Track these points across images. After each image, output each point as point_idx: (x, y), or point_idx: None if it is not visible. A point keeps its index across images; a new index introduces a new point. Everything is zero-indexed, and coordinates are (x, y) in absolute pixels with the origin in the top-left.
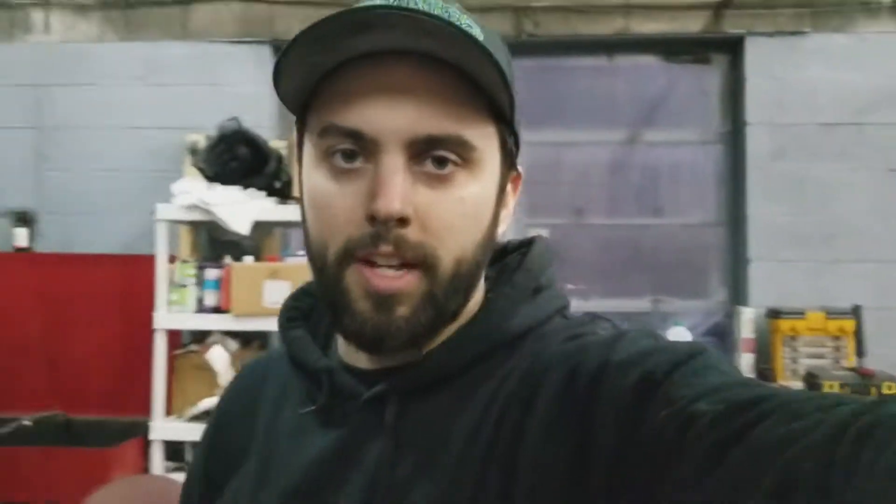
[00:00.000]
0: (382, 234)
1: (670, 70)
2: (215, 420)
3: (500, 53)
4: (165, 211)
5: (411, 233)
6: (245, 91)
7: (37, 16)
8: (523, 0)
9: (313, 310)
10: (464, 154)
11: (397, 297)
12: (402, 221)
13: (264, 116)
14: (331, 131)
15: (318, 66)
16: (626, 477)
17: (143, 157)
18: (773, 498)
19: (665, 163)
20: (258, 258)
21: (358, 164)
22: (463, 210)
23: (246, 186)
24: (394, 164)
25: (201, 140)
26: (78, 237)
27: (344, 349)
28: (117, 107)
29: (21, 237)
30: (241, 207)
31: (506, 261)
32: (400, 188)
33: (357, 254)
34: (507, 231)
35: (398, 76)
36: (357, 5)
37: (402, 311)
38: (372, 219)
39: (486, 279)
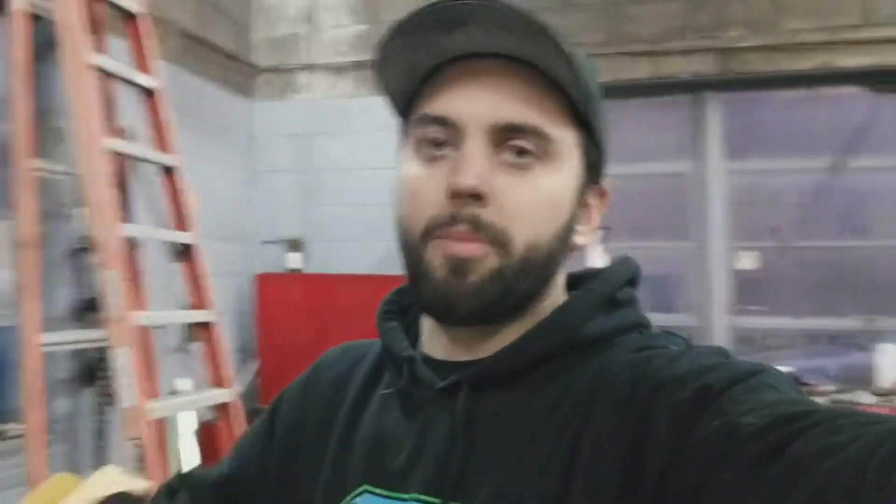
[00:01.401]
0: (460, 211)
1: (874, 99)
2: (307, 377)
3: (581, 61)
4: None
5: (486, 213)
6: None
7: (303, 78)
8: (730, 42)
9: (410, 306)
10: (542, 146)
11: (471, 263)
12: (478, 198)
13: None
14: (422, 120)
15: (417, 67)
16: (674, 485)
17: (387, 193)
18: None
19: (870, 188)
20: None
21: (445, 151)
22: (538, 198)
23: None
24: (474, 146)
25: None
26: (339, 260)
27: (426, 341)
28: (367, 151)
29: (294, 260)
30: None
31: (586, 275)
32: (478, 166)
33: (437, 232)
34: (595, 248)
35: (484, 72)
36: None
37: (473, 277)
38: (452, 196)
39: (568, 290)
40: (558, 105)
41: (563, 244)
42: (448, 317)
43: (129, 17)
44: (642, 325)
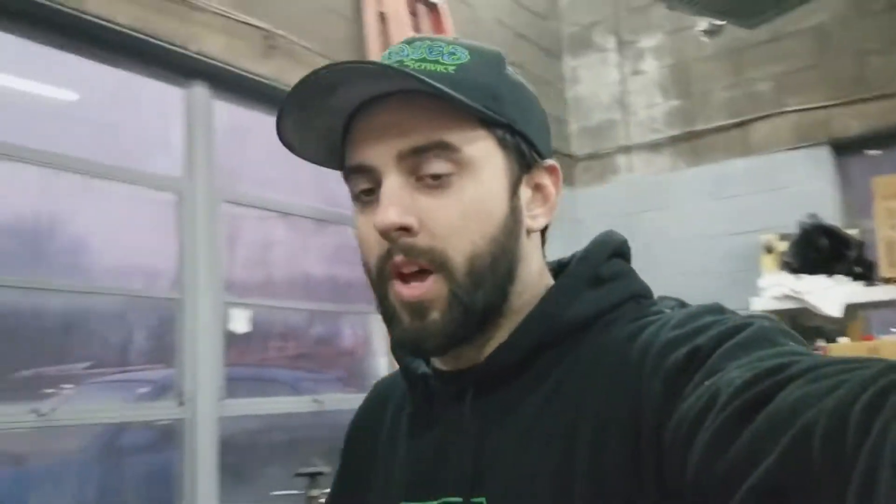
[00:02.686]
0: (393, 246)
1: None
2: (349, 431)
3: (470, 73)
4: (758, 303)
5: (420, 240)
6: (807, 190)
7: (621, 160)
8: None
9: None
10: (452, 158)
11: (426, 304)
12: (406, 230)
13: (828, 209)
14: (349, 175)
15: (330, 131)
16: (667, 447)
17: (719, 261)
18: (787, 458)
19: None
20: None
21: (375, 195)
22: (463, 210)
23: (830, 274)
24: (390, 182)
25: (774, 239)
26: None
27: (436, 358)
28: (692, 222)
29: None
30: (832, 292)
31: (570, 259)
32: (395, 199)
33: (386, 270)
34: (549, 223)
35: (384, 113)
36: (310, 73)
37: (434, 315)
38: (382, 236)
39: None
40: (459, 115)
41: (511, 240)
42: (420, 354)
43: None
44: (639, 295)
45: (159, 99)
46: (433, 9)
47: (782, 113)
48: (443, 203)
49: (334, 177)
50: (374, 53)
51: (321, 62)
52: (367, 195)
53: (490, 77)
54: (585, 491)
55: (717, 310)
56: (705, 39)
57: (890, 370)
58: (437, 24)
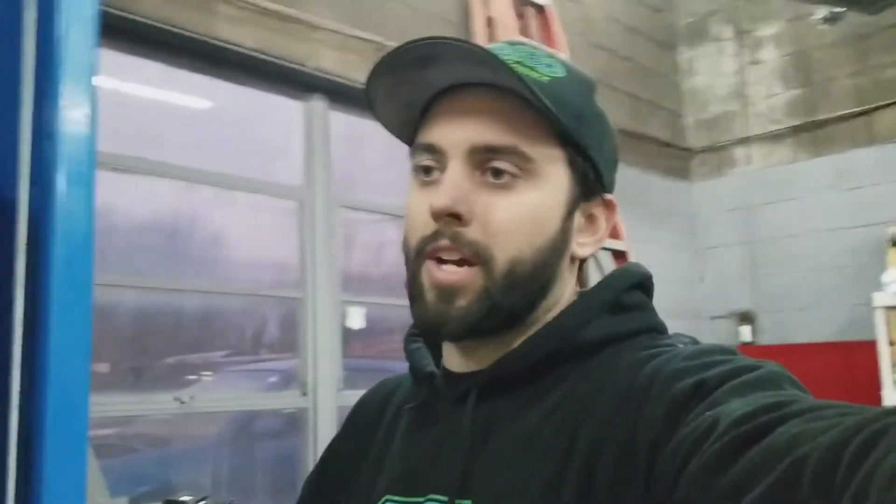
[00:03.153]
0: (442, 229)
1: None
2: (352, 412)
3: (557, 86)
4: (882, 299)
5: (469, 231)
6: None
7: (739, 152)
8: None
9: None
10: (521, 164)
11: (456, 290)
12: (457, 218)
13: None
14: (416, 149)
15: (413, 103)
16: (660, 471)
17: (843, 254)
18: (776, 489)
19: None
20: None
21: (434, 176)
22: (518, 214)
23: None
24: (455, 169)
25: None
26: (794, 330)
27: (445, 357)
28: (814, 214)
29: (745, 334)
30: None
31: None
32: (455, 187)
33: (426, 250)
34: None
35: (466, 101)
36: (412, 41)
37: (461, 302)
38: (433, 217)
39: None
40: (540, 126)
41: (555, 257)
42: (436, 336)
43: None
44: (654, 330)
45: (281, 112)
46: (541, 10)
47: None
48: (500, 202)
49: None
50: None
51: None
52: (427, 174)
53: (579, 99)
54: (573, 499)
55: (730, 350)
56: (825, 27)
57: (887, 415)
58: (546, 26)
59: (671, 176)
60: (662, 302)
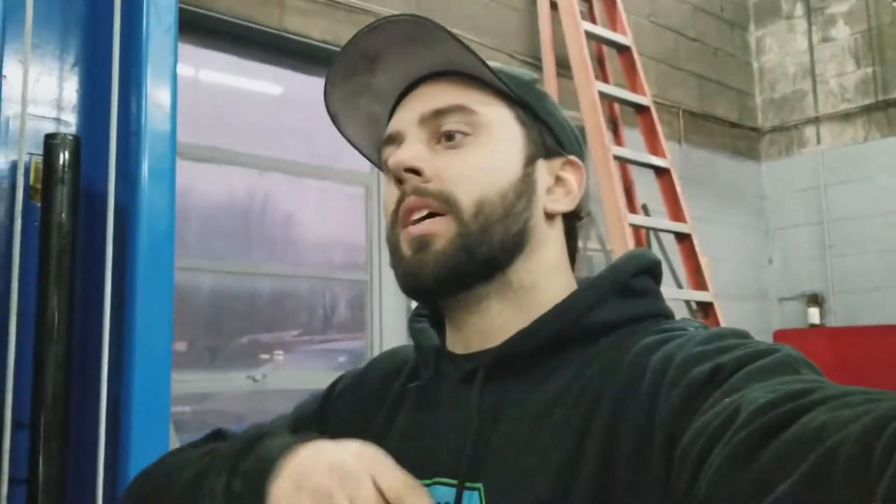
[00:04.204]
0: (405, 188)
1: None
2: (362, 373)
3: (504, 66)
4: None
5: (431, 185)
6: None
7: (809, 131)
8: None
9: (437, 312)
10: (468, 120)
11: (429, 237)
12: (416, 173)
13: None
14: (382, 146)
15: (375, 117)
16: (679, 458)
17: None
18: (808, 480)
19: None
20: None
21: None
22: (474, 163)
23: None
24: (410, 138)
25: None
26: (865, 311)
27: (448, 339)
28: (887, 194)
29: (814, 316)
30: None
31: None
32: (409, 149)
33: (399, 218)
34: (561, 211)
35: (418, 90)
36: (356, 34)
37: (436, 247)
38: (395, 180)
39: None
40: (483, 90)
41: (524, 202)
42: (419, 288)
43: (639, 109)
44: (662, 315)
45: None
46: None
47: None
48: (455, 158)
49: None
50: (547, 44)
51: (497, 56)
52: None
53: (522, 73)
54: (587, 490)
55: (743, 334)
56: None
57: None
58: (611, 10)
59: (740, 156)
60: (729, 284)
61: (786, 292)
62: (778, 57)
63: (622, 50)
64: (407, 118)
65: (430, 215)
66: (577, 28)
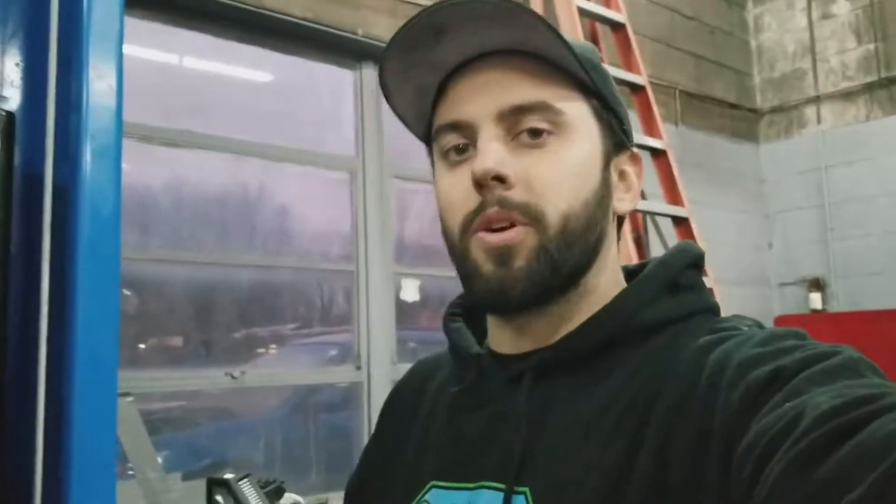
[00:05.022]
0: (487, 198)
1: None
2: (386, 404)
3: (571, 41)
4: None
5: (515, 194)
6: None
7: (809, 111)
8: None
9: (475, 309)
10: (552, 119)
11: (511, 250)
12: (501, 181)
13: None
14: (441, 131)
15: (425, 87)
16: (739, 461)
17: None
18: (878, 491)
19: None
20: None
21: (468, 154)
22: (561, 169)
23: None
24: (487, 136)
25: None
26: (867, 296)
27: (492, 338)
28: (890, 175)
29: (815, 301)
30: None
31: (648, 262)
32: (494, 151)
33: (473, 226)
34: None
35: (483, 70)
36: (427, 7)
37: (519, 262)
38: (478, 187)
39: (630, 278)
40: (561, 80)
41: (601, 210)
42: (504, 306)
43: (635, 89)
44: (710, 310)
45: (332, 82)
46: None
47: None
48: (540, 160)
49: None
50: None
51: None
52: (457, 153)
53: (586, 50)
54: (640, 497)
55: (801, 334)
56: None
57: None
58: None
59: (738, 138)
60: (729, 269)
61: (787, 277)
62: (777, 35)
63: (616, 27)
64: (481, 110)
65: (510, 226)
66: (569, 4)
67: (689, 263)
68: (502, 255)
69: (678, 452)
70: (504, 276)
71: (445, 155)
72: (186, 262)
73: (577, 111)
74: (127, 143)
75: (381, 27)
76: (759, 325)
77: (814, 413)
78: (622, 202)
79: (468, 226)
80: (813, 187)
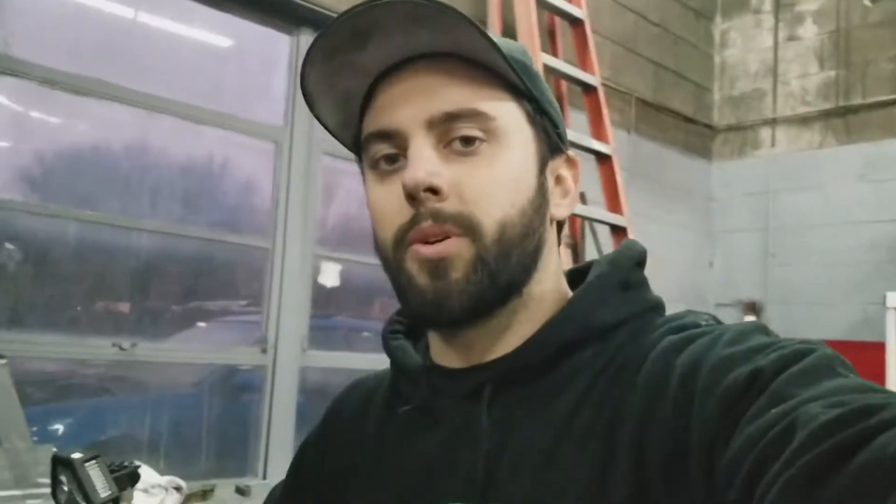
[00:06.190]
0: (420, 210)
1: None
2: (324, 421)
3: (499, 39)
4: (895, 298)
5: (448, 205)
6: None
7: (765, 133)
8: None
9: (415, 324)
10: (484, 126)
11: (447, 262)
12: (434, 192)
13: None
14: (369, 140)
15: (351, 95)
16: (723, 470)
17: (861, 250)
18: None
19: None
20: None
21: (399, 164)
22: (495, 177)
23: None
24: (419, 145)
25: None
26: (803, 324)
27: (436, 354)
28: (837, 205)
29: None
30: None
31: (595, 263)
32: (425, 161)
33: (407, 239)
34: (567, 213)
35: (410, 75)
36: (350, 9)
37: (455, 275)
38: (409, 198)
39: (573, 280)
40: (492, 84)
41: (539, 217)
42: (441, 320)
43: (587, 89)
44: (658, 307)
45: (266, 46)
46: None
47: None
48: (473, 169)
49: None
50: (494, 8)
51: None
52: (388, 163)
53: (522, 57)
54: (621, 502)
55: (765, 329)
56: (868, 3)
57: None
58: None
59: (691, 153)
60: (666, 285)
61: (724, 298)
62: (741, 52)
63: (575, 23)
64: (411, 117)
65: (445, 238)
66: None
67: (637, 262)
68: (437, 268)
69: (655, 457)
70: (440, 289)
71: (375, 165)
72: (82, 220)
73: (509, 116)
74: (25, 85)
75: None
76: (717, 321)
77: (810, 426)
78: (559, 207)
79: (402, 239)
80: (760, 210)
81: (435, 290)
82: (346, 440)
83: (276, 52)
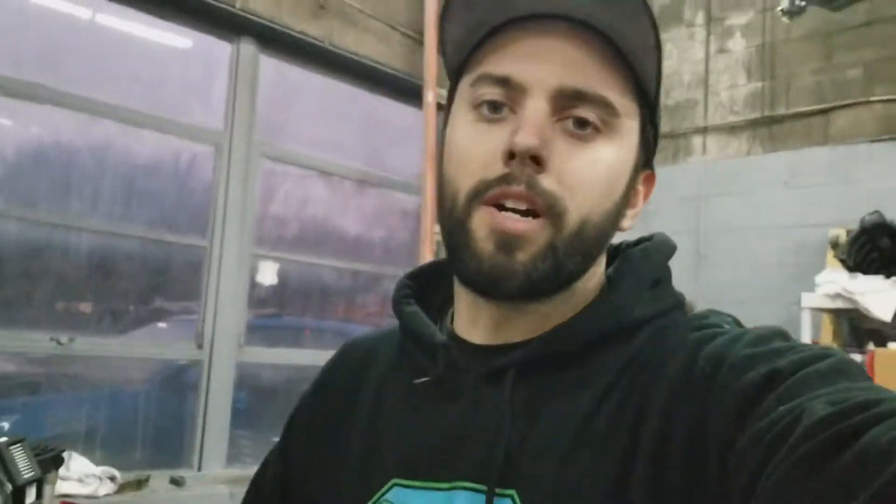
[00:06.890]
0: (516, 174)
1: None
2: (314, 392)
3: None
4: (809, 300)
5: (545, 179)
6: (883, 186)
7: (697, 141)
8: None
9: (425, 290)
10: (606, 118)
11: (520, 240)
12: (537, 161)
13: None
14: (482, 80)
15: (484, 23)
16: (735, 466)
17: (786, 252)
18: (885, 497)
19: None
20: None
21: (503, 114)
22: (597, 171)
23: (888, 276)
24: (537, 108)
25: (842, 234)
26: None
27: (462, 324)
28: (763, 210)
29: None
30: (886, 295)
31: (627, 252)
32: (539, 128)
33: (488, 195)
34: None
35: (553, 34)
36: None
37: (522, 256)
38: (509, 157)
39: (607, 269)
40: (627, 79)
41: (614, 224)
42: (493, 293)
43: None
44: (682, 302)
45: (207, 53)
46: None
47: (868, 103)
48: (579, 154)
49: (380, 139)
50: (431, 19)
51: (374, 24)
52: (491, 110)
53: (661, 61)
54: (643, 499)
55: (784, 333)
56: (785, 20)
57: None
58: None
59: None
60: None
61: None
62: (676, 63)
63: None
64: (539, 78)
65: (526, 212)
66: None
67: (669, 257)
68: (509, 242)
69: (674, 458)
70: (501, 264)
71: (477, 105)
72: (22, 219)
73: (629, 117)
74: None
75: (262, 2)
76: (738, 323)
77: (812, 418)
78: (626, 219)
79: (481, 192)
80: (692, 214)
81: (495, 264)
82: (342, 401)
83: (217, 58)
